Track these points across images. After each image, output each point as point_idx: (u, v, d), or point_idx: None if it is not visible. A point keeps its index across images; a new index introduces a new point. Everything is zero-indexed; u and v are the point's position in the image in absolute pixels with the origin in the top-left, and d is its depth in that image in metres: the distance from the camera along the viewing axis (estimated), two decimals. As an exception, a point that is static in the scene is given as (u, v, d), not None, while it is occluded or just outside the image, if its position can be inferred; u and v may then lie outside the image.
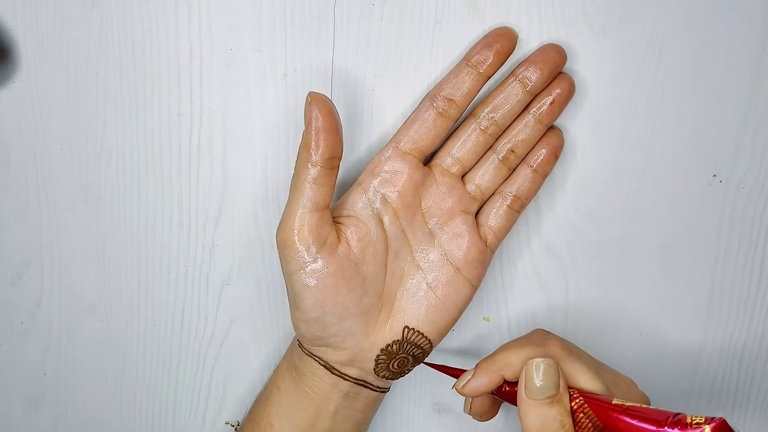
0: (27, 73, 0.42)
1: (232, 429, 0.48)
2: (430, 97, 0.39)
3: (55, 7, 0.41)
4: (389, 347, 0.40)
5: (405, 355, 0.40)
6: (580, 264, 0.45)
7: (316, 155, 0.37)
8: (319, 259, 0.38)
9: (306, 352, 0.41)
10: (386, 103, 0.41)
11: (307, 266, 0.38)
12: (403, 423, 0.48)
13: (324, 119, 0.36)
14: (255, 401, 0.44)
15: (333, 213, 0.40)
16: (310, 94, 0.37)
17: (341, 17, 0.40)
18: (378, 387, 0.41)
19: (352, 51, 0.41)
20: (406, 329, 0.40)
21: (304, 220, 0.37)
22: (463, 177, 0.41)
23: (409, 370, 0.41)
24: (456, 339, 0.46)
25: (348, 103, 0.41)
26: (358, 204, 0.40)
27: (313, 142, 0.37)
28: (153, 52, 0.41)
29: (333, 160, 0.37)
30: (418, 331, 0.40)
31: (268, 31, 0.41)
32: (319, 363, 0.40)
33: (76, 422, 0.49)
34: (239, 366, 0.47)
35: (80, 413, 0.49)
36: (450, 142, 0.40)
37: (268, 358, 0.47)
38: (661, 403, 0.47)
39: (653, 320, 0.46)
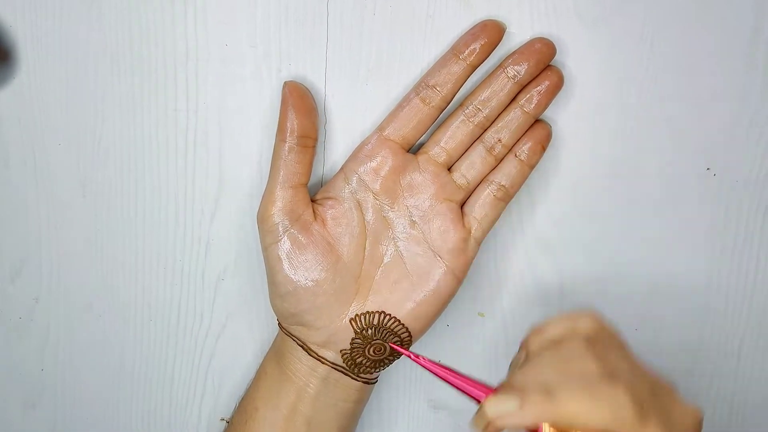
0: (25, 70, 0.42)
1: (227, 424, 0.48)
2: (416, 86, 0.40)
3: (54, 4, 0.41)
4: (364, 331, 0.40)
5: (381, 341, 0.40)
6: (575, 259, 0.45)
7: (288, 133, 0.39)
8: (292, 234, 0.39)
9: (285, 331, 0.41)
10: (379, 98, 0.42)
11: (280, 240, 0.39)
12: (397, 420, 0.48)
13: (295, 100, 0.39)
14: (246, 388, 0.44)
15: (315, 197, 0.41)
16: (286, 82, 0.40)
17: (335, 12, 0.41)
18: (359, 376, 0.41)
19: (346, 46, 0.41)
20: (382, 314, 0.40)
21: (278, 196, 0.39)
22: (450, 168, 0.41)
23: (390, 361, 0.41)
24: (450, 334, 0.46)
25: (342, 98, 0.42)
26: (339, 189, 0.41)
27: (287, 123, 0.39)
28: (149, 48, 0.42)
29: (305, 138, 0.39)
30: (395, 318, 0.40)
31: (262, 27, 0.41)
32: (297, 343, 0.41)
33: (74, 418, 0.49)
34: (235, 361, 0.47)
35: (78, 409, 0.49)
36: (437, 132, 0.41)
37: (264, 353, 0.46)
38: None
39: (649, 316, 0.46)
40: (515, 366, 0.36)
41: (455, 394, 0.46)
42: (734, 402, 0.47)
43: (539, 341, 0.35)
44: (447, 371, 0.34)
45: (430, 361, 0.35)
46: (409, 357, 0.36)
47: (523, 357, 0.35)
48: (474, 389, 0.33)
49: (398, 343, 0.40)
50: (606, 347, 0.33)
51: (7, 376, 0.48)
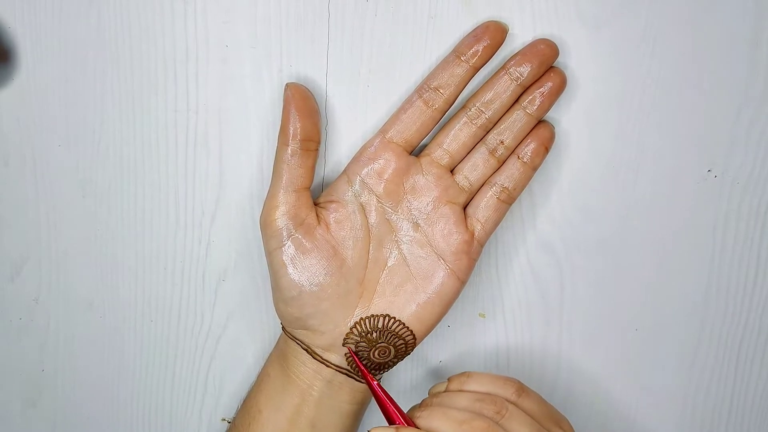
0: (25, 70, 0.42)
1: (229, 425, 0.48)
2: (418, 88, 0.40)
3: (54, 4, 0.41)
4: (369, 335, 0.40)
5: (386, 344, 0.40)
6: (576, 259, 0.45)
7: (291, 137, 0.39)
8: (297, 238, 0.39)
9: (289, 335, 0.41)
10: (381, 99, 0.42)
11: (284, 244, 0.39)
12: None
13: (298, 103, 0.39)
14: (248, 390, 0.44)
15: (318, 200, 0.41)
16: (288, 83, 0.39)
17: (336, 13, 0.40)
18: (363, 378, 0.41)
19: (347, 47, 0.41)
20: (387, 318, 0.40)
21: (281, 200, 0.39)
22: (453, 170, 0.41)
23: (394, 363, 0.41)
24: (452, 335, 0.46)
25: (343, 99, 0.42)
26: (342, 192, 0.40)
27: (290, 126, 0.39)
28: (149, 48, 0.42)
29: (308, 142, 0.39)
30: (400, 321, 0.40)
31: (263, 27, 0.41)
32: (302, 347, 0.41)
33: (74, 418, 0.49)
34: (236, 361, 0.47)
35: (78, 409, 0.49)
36: (440, 134, 0.41)
37: (265, 353, 0.47)
38: (658, 398, 0.47)
39: (649, 316, 0.46)
40: (432, 394, 0.40)
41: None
42: (734, 402, 0.47)
43: (460, 384, 0.39)
44: (386, 395, 0.38)
45: (379, 384, 0.39)
46: (365, 375, 0.40)
47: (443, 389, 0.40)
48: (392, 411, 0.38)
49: (402, 345, 0.40)
50: (510, 421, 0.36)
51: (7, 376, 0.48)
